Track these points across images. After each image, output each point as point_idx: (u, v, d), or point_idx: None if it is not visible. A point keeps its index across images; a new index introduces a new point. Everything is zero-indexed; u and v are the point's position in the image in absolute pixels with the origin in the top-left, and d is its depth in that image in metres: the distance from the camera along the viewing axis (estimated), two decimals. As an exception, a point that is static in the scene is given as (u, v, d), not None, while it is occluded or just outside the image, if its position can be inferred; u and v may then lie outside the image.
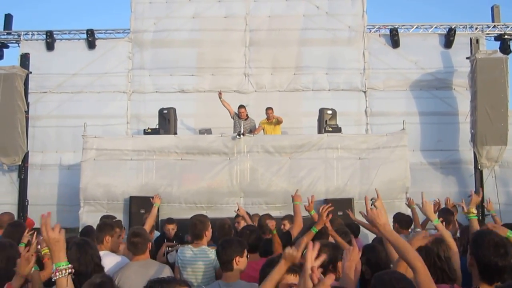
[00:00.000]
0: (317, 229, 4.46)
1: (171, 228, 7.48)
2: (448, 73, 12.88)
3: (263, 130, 11.31)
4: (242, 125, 10.67)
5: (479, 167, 11.71)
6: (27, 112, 12.27)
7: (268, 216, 6.76)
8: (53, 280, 2.77)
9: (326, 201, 9.48)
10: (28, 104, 12.32)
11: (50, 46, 13.20)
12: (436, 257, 3.55)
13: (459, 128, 12.53)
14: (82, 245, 3.81)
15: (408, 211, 7.76)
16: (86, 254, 3.70)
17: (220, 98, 11.25)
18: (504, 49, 12.81)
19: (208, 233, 5.24)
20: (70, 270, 2.75)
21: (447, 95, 12.81)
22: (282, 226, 7.04)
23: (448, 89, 12.87)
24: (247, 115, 11.28)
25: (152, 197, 6.96)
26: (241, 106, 11.26)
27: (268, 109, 11.31)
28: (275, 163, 10.35)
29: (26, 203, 11.84)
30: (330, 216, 4.55)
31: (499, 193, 11.51)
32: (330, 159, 10.42)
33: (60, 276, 2.71)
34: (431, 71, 12.87)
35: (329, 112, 11.20)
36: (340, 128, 10.94)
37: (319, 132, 11.01)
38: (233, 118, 11.24)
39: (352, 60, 13.00)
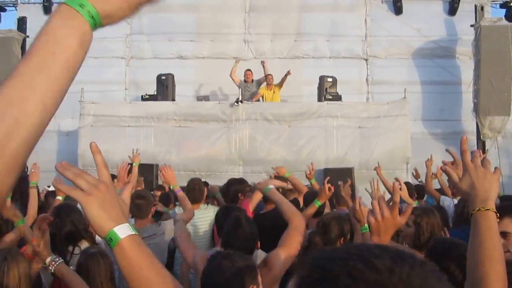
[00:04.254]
0: (321, 203, 4.47)
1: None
2: (451, 41, 12.63)
3: (262, 97, 11.20)
4: (246, 89, 10.63)
5: (482, 138, 11.49)
6: (25, 77, 12.20)
7: None
8: (52, 271, 2.80)
9: (326, 171, 9.48)
10: (25, 69, 12.23)
11: (47, 9, 12.89)
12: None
13: (461, 97, 12.32)
14: (62, 208, 3.80)
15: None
16: (66, 217, 3.68)
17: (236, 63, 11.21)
18: (509, 16, 12.54)
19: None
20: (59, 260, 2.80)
21: (450, 64, 12.58)
22: None
23: (451, 58, 12.63)
24: (252, 80, 11.23)
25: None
26: (248, 69, 11.28)
27: (268, 75, 11.18)
28: (274, 131, 10.32)
29: (26, 169, 11.83)
30: (333, 189, 4.49)
31: (501, 165, 11.31)
32: (330, 128, 10.37)
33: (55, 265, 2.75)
34: (434, 39, 12.61)
35: (329, 79, 11.05)
36: (340, 96, 10.84)
37: (319, 100, 10.89)
38: (240, 86, 11.13)
39: (353, 27, 12.74)
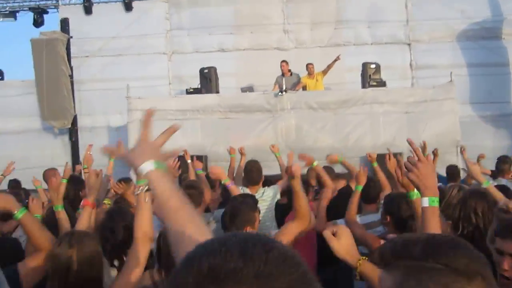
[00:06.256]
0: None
1: None
2: (497, 21, 12.28)
3: (305, 86, 11.14)
4: (284, 82, 10.51)
5: (532, 119, 11.17)
6: (71, 76, 12.48)
7: None
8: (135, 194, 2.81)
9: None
10: (71, 68, 12.49)
11: (88, 10, 13.13)
12: (473, 212, 3.38)
13: (510, 79, 12.04)
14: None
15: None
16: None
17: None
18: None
19: None
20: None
21: (496, 45, 12.25)
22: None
23: (497, 39, 12.29)
24: (289, 70, 11.10)
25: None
26: (283, 61, 11.10)
27: (309, 65, 11.10)
28: (319, 119, 10.21)
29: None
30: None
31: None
32: (375, 114, 10.22)
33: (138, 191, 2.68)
34: (478, 20, 12.28)
35: (373, 66, 10.88)
36: (385, 82, 10.69)
37: (363, 87, 10.75)
38: (277, 82, 11.00)
39: (394, 11, 12.51)
